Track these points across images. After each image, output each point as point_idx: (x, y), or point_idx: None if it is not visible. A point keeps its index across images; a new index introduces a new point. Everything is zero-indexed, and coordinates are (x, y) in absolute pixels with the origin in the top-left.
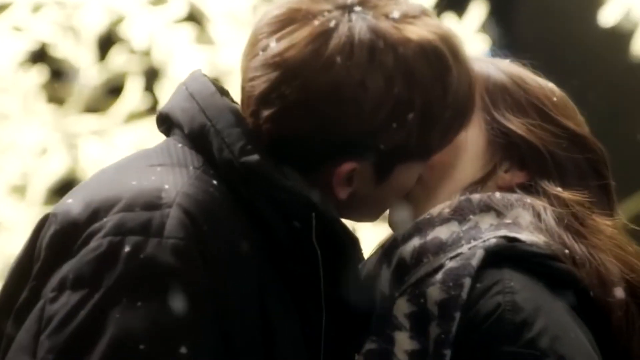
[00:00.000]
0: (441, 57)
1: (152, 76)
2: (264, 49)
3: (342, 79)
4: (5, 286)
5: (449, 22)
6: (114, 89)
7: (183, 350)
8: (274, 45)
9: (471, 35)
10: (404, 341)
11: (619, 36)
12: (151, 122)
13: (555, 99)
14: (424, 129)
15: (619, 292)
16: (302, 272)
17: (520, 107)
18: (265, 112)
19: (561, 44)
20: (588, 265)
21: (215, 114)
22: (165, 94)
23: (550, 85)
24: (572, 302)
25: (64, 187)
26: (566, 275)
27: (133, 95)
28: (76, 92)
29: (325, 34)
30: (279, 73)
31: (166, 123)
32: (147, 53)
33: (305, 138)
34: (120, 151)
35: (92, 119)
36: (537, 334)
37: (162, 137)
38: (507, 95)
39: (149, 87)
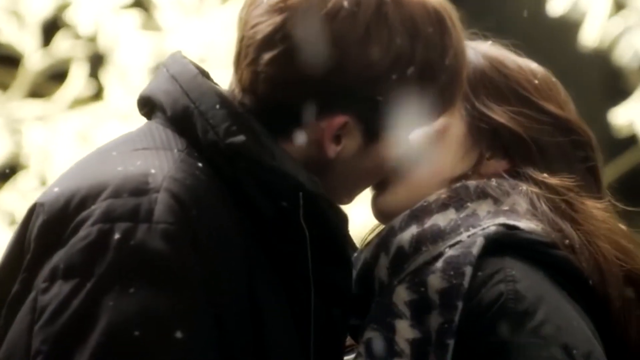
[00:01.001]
0: (442, 20)
1: (97, 62)
2: None
3: (347, 24)
4: None
5: None
6: (58, 75)
7: (178, 334)
8: None
9: None
10: (404, 330)
11: (567, 26)
12: (96, 108)
13: (536, 81)
14: (420, 87)
15: (617, 281)
16: (289, 251)
17: (501, 94)
18: (267, 55)
19: (509, 34)
20: (587, 253)
21: (198, 96)
22: (110, 80)
23: (533, 66)
24: (571, 291)
25: (7, 173)
26: (565, 264)
27: (77, 81)
28: (20, 77)
29: None
30: (284, 16)
31: (147, 106)
32: (92, 39)
33: (303, 82)
34: (65, 137)
35: (36, 105)
36: (540, 322)
37: (105, 124)
38: (487, 82)
39: (94, 73)
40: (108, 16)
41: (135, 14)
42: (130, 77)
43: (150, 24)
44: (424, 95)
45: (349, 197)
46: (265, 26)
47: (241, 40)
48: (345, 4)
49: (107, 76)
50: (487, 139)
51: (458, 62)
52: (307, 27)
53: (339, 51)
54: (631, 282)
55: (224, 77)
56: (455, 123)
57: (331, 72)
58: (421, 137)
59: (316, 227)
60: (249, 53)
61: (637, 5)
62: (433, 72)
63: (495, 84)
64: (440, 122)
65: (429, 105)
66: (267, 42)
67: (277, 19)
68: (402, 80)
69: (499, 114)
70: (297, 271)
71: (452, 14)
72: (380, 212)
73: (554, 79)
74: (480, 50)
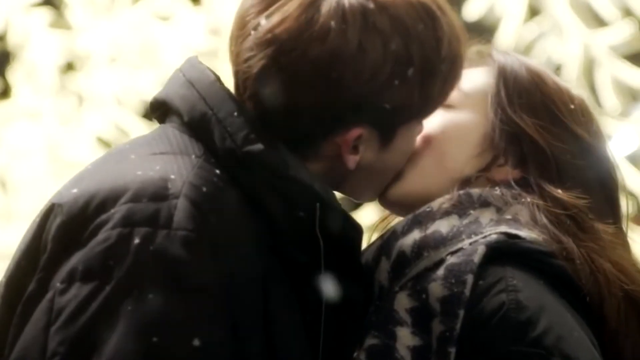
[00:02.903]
0: (430, 12)
1: (5, 60)
2: (255, 28)
3: (340, 44)
4: (11, 278)
5: None
6: None
7: (196, 342)
8: (265, 22)
9: None
10: (405, 337)
11: (482, 31)
12: (3, 106)
13: (572, 106)
14: (424, 83)
15: (617, 301)
16: (303, 261)
17: (534, 108)
18: (267, 90)
19: None
20: (587, 269)
21: (216, 103)
22: (19, 78)
23: (573, 91)
24: (571, 300)
25: None
26: (565, 274)
27: None
28: None
29: (315, 3)
30: (274, 48)
31: (161, 109)
32: (1, 37)
33: (310, 108)
34: None
35: None
36: (542, 332)
37: (12, 123)
38: (524, 94)
39: (1, 71)
40: (18, 14)
41: (46, 12)
42: (39, 76)
43: (60, 22)
44: (429, 87)
45: (374, 194)
46: (257, 60)
47: (236, 73)
48: (333, 24)
49: (15, 74)
50: (507, 144)
51: (453, 47)
52: (300, 54)
53: (337, 71)
54: (631, 305)
55: (134, 77)
56: (478, 121)
57: (334, 92)
58: (434, 126)
59: (331, 237)
60: (247, 87)
61: (551, 11)
62: (432, 66)
63: (532, 98)
64: (455, 117)
65: (436, 93)
66: (264, 76)
67: (268, 51)
68: (405, 83)
69: (527, 125)
70: (310, 279)
71: (438, 1)
72: (388, 200)
73: (590, 109)
74: (525, 63)
